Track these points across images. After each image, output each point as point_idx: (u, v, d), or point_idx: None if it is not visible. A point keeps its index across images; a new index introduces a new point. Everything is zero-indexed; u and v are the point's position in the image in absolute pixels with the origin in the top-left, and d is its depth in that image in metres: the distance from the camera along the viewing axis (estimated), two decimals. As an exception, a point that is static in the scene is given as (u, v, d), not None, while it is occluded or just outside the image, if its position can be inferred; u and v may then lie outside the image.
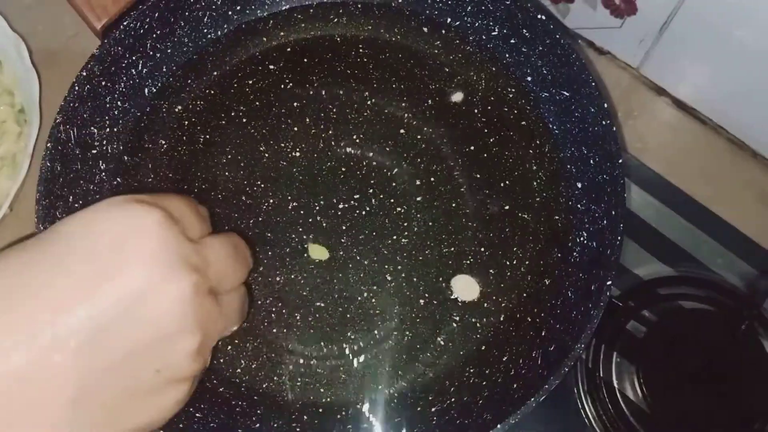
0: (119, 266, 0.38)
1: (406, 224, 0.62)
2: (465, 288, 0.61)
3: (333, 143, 0.65)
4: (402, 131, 0.66)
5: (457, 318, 0.60)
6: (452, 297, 0.60)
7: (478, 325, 0.60)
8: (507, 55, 0.67)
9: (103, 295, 0.37)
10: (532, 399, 0.51)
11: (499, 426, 0.51)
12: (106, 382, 0.37)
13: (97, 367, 0.37)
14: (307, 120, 0.66)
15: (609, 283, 0.54)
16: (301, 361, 0.59)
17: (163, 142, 0.65)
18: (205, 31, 0.68)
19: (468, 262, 0.61)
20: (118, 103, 0.64)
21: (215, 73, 0.68)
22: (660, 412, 0.59)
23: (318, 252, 0.62)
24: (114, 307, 0.37)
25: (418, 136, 0.65)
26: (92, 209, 0.40)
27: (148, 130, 0.65)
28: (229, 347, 0.59)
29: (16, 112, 0.70)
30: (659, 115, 0.72)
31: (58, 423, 0.36)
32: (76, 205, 0.60)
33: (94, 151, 0.63)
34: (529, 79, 0.66)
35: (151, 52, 0.65)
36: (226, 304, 0.44)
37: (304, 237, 0.62)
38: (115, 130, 0.64)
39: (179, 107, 0.66)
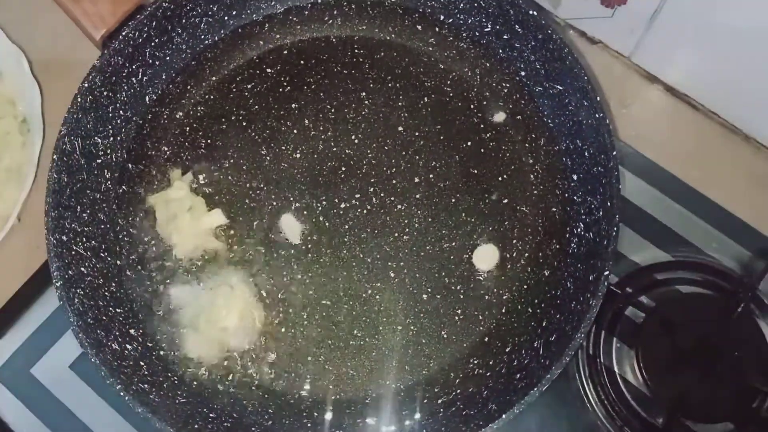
0: None
1: (407, 221, 0.64)
2: (485, 257, 0.63)
3: (332, 144, 0.66)
4: (400, 129, 0.67)
5: (460, 311, 0.62)
6: (454, 290, 0.62)
7: (480, 317, 0.61)
8: (500, 51, 0.68)
9: None
10: (536, 389, 0.53)
11: (503, 416, 0.53)
12: None
13: None
14: (306, 122, 0.67)
15: (607, 273, 0.56)
16: (309, 358, 0.60)
17: (166, 149, 0.66)
18: (203, 37, 0.69)
19: (468, 256, 0.63)
20: (121, 112, 0.65)
21: (214, 78, 0.69)
22: (660, 394, 0.61)
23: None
24: None
25: (416, 134, 0.67)
26: None
27: (151, 138, 0.67)
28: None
29: (19, 122, 0.71)
30: (652, 102, 0.73)
31: None
32: (84, 215, 0.62)
33: (99, 161, 0.64)
34: (522, 74, 0.67)
35: (150, 60, 0.66)
36: None
37: (308, 237, 0.64)
38: (119, 138, 0.65)
39: (180, 113, 0.68)
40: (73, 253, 0.60)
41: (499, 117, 0.67)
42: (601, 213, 0.60)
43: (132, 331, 0.60)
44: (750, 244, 0.67)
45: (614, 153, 0.59)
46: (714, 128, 0.72)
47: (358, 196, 0.65)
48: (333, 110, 0.67)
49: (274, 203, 0.65)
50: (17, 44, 0.71)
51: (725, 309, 0.62)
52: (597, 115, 0.60)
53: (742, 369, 0.61)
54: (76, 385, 0.64)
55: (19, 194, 0.66)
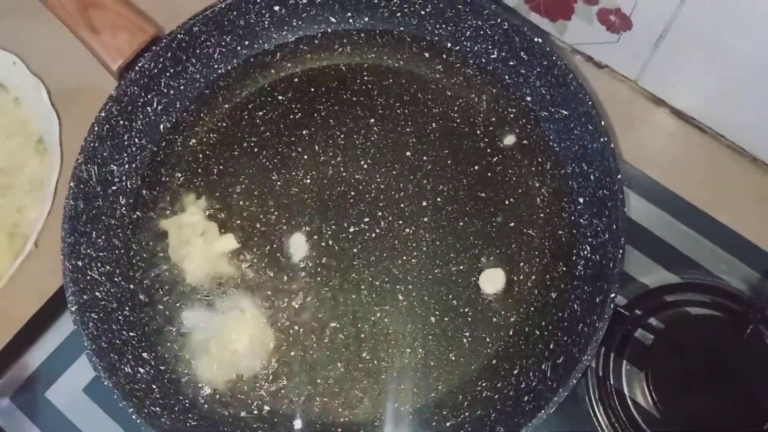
0: None
1: (415, 245, 0.65)
2: (492, 280, 0.64)
3: (342, 169, 0.68)
4: (408, 154, 0.68)
5: (468, 334, 0.62)
6: (462, 312, 0.63)
7: (488, 340, 0.62)
8: (506, 77, 0.69)
9: None
10: (543, 411, 0.53)
11: (511, 438, 0.53)
12: None
13: None
14: (316, 147, 0.68)
15: (613, 295, 0.56)
16: (319, 381, 0.61)
17: (179, 175, 0.68)
18: (216, 66, 0.71)
19: (476, 279, 0.64)
20: (136, 140, 0.67)
21: (226, 106, 0.70)
22: (670, 417, 0.61)
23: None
24: None
25: (424, 158, 0.68)
26: None
27: (165, 164, 0.68)
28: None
29: (35, 142, 0.73)
30: (659, 125, 0.74)
31: None
32: (99, 240, 0.63)
33: (115, 188, 0.66)
34: (528, 99, 0.68)
35: (165, 90, 0.68)
36: None
37: (318, 261, 0.65)
38: (134, 165, 0.67)
39: (193, 140, 0.69)
40: (89, 278, 0.61)
41: (509, 140, 0.68)
42: (607, 235, 0.60)
43: (144, 355, 0.61)
44: (759, 265, 0.67)
45: (619, 176, 0.59)
46: (721, 150, 0.72)
47: (366, 219, 0.66)
48: (342, 136, 0.69)
49: (285, 227, 0.66)
50: (36, 74, 0.73)
51: (735, 331, 0.62)
52: (602, 140, 0.61)
53: (753, 391, 0.61)
54: (89, 408, 0.65)
55: (39, 214, 0.68)
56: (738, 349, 0.62)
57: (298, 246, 0.65)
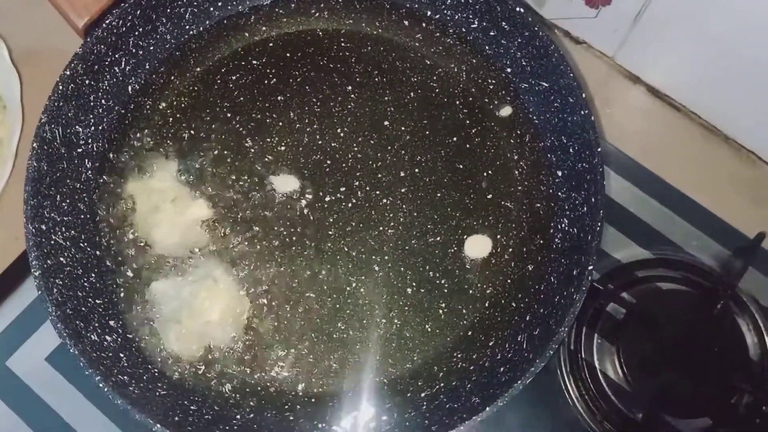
0: None
1: (392, 215, 0.64)
2: (476, 246, 0.63)
3: (318, 137, 0.66)
4: (386, 123, 0.67)
5: (444, 305, 0.61)
6: (438, 284, 0.62)
7: (464, 311, 0.61)
8: (487, 47, 0.68)
9: None
10: (519, 382, 0.53)
11: (487, 409, 0.53)
12: None
13: None
14: (292, 114, 0.67)
15: (590, 268, 0.56)
16: (292, 351, 0.60)
17: (149, 139, 0.66)
18: (187, 27, 0.68)
19: (453, 250, 0.63)
20: (102, 101, 0.64)
21: (198, 69, 0.68)
22: (640, 390, 0.61)
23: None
24: None
25: (402, 128, 0.67)
26: None
27: (133, 128, 0.66)
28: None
29: None
30: (635, 102, 0.74)
31: None
32: (64, 204, 0.61)
33: (80, 150, 0.63)
34: (508, 70, 0.68)
35: (133, 50, 0.65)
36: None
37: (291, 230, 0.63)
38: (100, 128, 0.64)
39: (163, 104, 0.67)
40: (53, 242, 0.58)
41: (506, 111, 0.67)
42: (585, 209, 0.60)
43: (112, 323, 0.59)
44: (729, 242, 0.68)
45: (599, 149, 0.59)
46: (695, 129, 0.73)
47: (343, 189, 0.65)
48: (319, 103, 0.67)
49: (258, 195, 0.64)
50: (-3, 32, 0.70)
51: (705, 306, 0.63)
52: (582, 112, 0.61)
53: (721, 366, 0.62)
54: (52, 377, 0.63)
55: (-1, 175, 0.65)
56: (708, 324, 0.63)
57: (285, 184, 0.64)
